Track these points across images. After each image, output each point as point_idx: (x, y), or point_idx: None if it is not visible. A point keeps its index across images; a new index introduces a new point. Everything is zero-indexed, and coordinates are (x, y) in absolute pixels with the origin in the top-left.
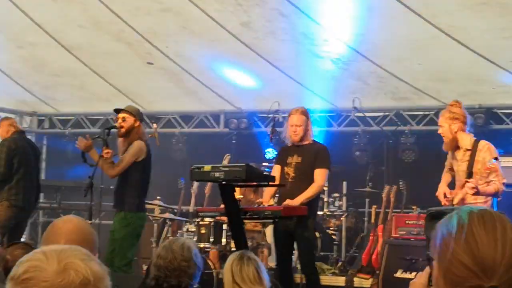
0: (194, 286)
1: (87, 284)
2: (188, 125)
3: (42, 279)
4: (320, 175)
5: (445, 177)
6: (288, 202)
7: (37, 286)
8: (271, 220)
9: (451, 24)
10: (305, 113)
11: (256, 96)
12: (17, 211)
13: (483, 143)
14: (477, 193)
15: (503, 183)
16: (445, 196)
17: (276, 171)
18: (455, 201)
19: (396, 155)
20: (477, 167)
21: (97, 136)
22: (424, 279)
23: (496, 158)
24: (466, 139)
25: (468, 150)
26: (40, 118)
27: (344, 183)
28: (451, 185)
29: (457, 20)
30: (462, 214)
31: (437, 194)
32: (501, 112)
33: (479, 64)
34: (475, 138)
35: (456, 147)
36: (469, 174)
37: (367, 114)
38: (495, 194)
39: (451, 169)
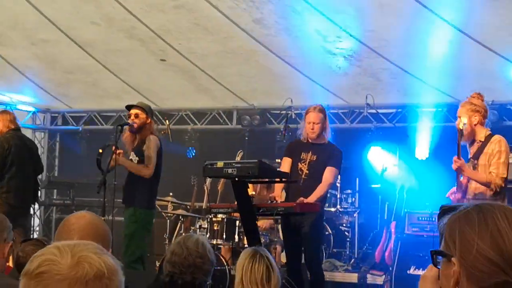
0: (208, 282)
1: (102, 277)
2: (201, 121)
3: (56, 272)
4: (330, 174)
5: None
6: (302, 200)
7: (51, 280)
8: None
9: (464, 20)
10: (323, 111)
11: (269, 92)
12: (9, 209)
13: (496, 137)
14: (458, 170)
15: (503, 178)
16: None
17: (286, 164)
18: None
19: (409, 151)
20: (484, 159)
21: (108, 144)
22: (435, 272)
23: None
24: (481, 132)
25: (480, 141)
26: (53, 115)
27: (357, 179)
28: None
29: (470, 16)
30: (480, 209)
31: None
32: None
33: (492, 60)
34: (490, 132)
35: (473, 140)
36: (474, 166)
37: (380, 111)
38: (485, 185)
39: None
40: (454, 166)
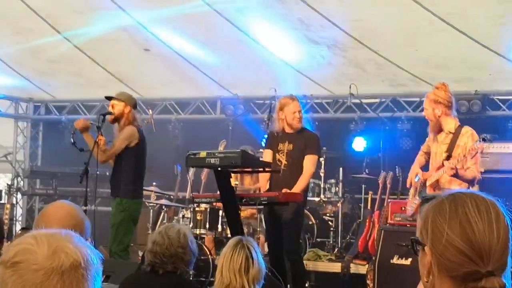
0: (190, 272)
1: (78, 267)
2: (185, 111)
3: (32, 262)
4: (310, 162)
5: (419, 160)
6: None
7: (27, 269)
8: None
9: (449, 10)
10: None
11: (252, 82)
12: None
13: (466, 129)
14: (455, 175)
15: (480, 172)
16: (417, 177)
17: (267, 156)
18: (429, 182)
19: (393, 141)
20: (457, 152)
21: (92, 122)
22: None
23: (484, 139)
24: (450, 123)
25: (450, 133)
26: (36, 104)
27: (341, 169)
28: (425, 169)
29: (454, 6)
30: (453, 198)
31: (409, 174)
32: (497, 99)
33: (476, 50)
34: (459, 124)
35: (439, 130)
36: (447, 157)
37: (364, 101)
38: (471, 181)
39: (427, 153)
40: (450, 173)
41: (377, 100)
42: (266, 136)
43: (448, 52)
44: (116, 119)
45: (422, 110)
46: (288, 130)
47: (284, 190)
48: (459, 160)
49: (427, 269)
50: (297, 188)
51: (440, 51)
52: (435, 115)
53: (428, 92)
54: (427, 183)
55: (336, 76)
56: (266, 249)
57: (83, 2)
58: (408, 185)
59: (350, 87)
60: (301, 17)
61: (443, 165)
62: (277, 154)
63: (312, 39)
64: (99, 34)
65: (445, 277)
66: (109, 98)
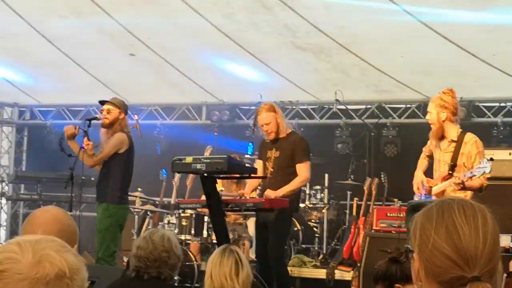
0: (175, 277)
1: (63, 276)
2: (170, 117)
3: (17, 271)
4: (303, 169)
5: (422, 164)
6: (268, 192)
7: (11, 279)
8: (252, 213)
9: (434, 17)
10: (272, 108)
11: (238, 88)
12: None
13: (469, 136)
14: (463, 188)
15: (487, 178)
16: (422, 184)
17: (258, 166)
18: (434, 192)
19: (378, 147)
20: (461, 160)
21: (81, 128)
22: None
23: (491, 159)
24: (453, 130)
25: (453, 141)
26: (21, 109)
27: (326, 175)
28: (428, 173)
29: (439, 13)
30: (441, 204)
31: (414, 182)
32: (482, 105)
33: (461, 57)
34: (461, 130)
35: (442, 136)
36: (452, 167)
37: (349, 107)
38: (479, 189)
39: (430, 156)
40: (458, 188)
41: (363, 107)
42: (251, 143)
43: (433, 59)
44: (110, 125)
45: (407, 117)
46: (273, 138)
47: (266, 193)
48: (465, 175)
49: (415, 275)
50: (283, 190)
51: (425, 58)
52: (439, 119)
53: (433, 97)
54: (433, 192)
55: (322, 82)
56: (251, 255)
57: (69, 6)
58: (415, 190)
59: (335, 93)
60: (287, 23)
61: (449, 175)
62: (266, 163)
63: (297, 45)
64: (85, 39)
65: (432, 282)
66: (102, 102)
